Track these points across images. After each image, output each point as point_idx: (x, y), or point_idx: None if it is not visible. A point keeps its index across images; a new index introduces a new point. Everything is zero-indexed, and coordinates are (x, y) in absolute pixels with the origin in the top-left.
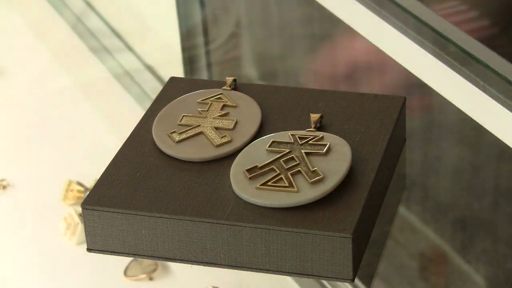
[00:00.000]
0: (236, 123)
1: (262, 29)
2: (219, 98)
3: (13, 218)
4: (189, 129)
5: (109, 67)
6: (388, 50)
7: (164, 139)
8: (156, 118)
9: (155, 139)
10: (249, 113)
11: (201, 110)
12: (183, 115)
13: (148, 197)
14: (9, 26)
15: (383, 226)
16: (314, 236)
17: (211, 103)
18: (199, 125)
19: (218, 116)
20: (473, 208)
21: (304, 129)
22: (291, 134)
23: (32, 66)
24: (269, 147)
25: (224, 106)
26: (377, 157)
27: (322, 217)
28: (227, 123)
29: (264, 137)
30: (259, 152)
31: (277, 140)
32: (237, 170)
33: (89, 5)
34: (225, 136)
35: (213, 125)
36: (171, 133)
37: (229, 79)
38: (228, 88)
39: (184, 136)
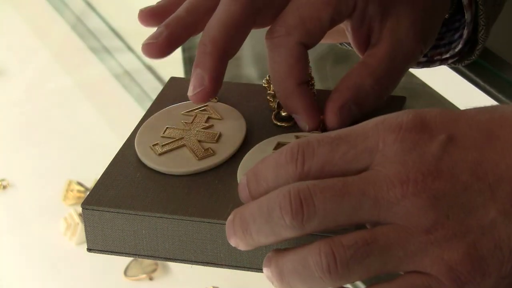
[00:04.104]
0: (220, 136)
1: (262, 29)
2: (204, 110)
3: (13, 218)
4: (172, 142)
5: (109, 67)
6: None
7: (147, 152)
8: (139, 130)
9: (137, 151)
10: (234, 126)
11: (185, 122)
12: (167, 127)
13: (148, 197)
14: (9, 26)
15: None
16: (314, 236)
17: (196, 115)
18: (182, 138)
19: (202, 128)
20: None
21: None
22: (296, 136)
23: (32, 66)
24: (275, 149)
25: (209, 118)
26: None
27: None
28: (211, 136)
29: (270, 138)
30: (265, 154)
31: (282, 141)
32: (243, 172)
33: (89, 5)
34: (208, 149)
35: (196, 137)
36: (153, 145)
37: None
38: (214, 100)
39: (166, 148)
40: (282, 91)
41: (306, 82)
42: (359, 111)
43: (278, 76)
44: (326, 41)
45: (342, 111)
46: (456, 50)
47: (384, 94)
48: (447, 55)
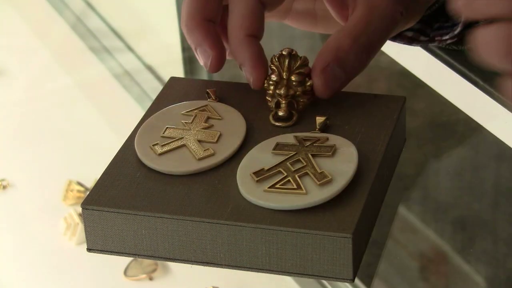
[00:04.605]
0: (220, 136)
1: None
2: (204, 110)
3: (13, 218)
4: (171, 142)
5: (109, 67)
6: (387, 50)
7: (146, 151)
8: (139, 130)
9: (137, 151)
10: (234, 125)
11: (185, 122)
12: (167, 127)
13: (148, 197)
14: (9, 26)
15: (383, 226)
16: (314, 236)
17: (196, 115)
18: (182, 138)
19: (202, 128)
20: (473, 208)
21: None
22: (295, 136)
23: (32, 66)
24: (274, 149)
25: (208, 118)
26: (378, 157)
27: (322, 217)
28: (210, 136)
29: (269, 139)
30: (264, 155)
31: (282, 142)
32: (243, 173)
33: (89, 5)
34: (208, 149)
35: (196, 137)
36: (153, 145)
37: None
38: (214, 99)
39: (166, 148)
40: (232, 41)
41: (256, 36)
42: (343, 72)
43: (231, 26)
44: (300, 26)
45: (325, 72)
46: (456, 32)
47: (364, 53)
48: (447, 37)
